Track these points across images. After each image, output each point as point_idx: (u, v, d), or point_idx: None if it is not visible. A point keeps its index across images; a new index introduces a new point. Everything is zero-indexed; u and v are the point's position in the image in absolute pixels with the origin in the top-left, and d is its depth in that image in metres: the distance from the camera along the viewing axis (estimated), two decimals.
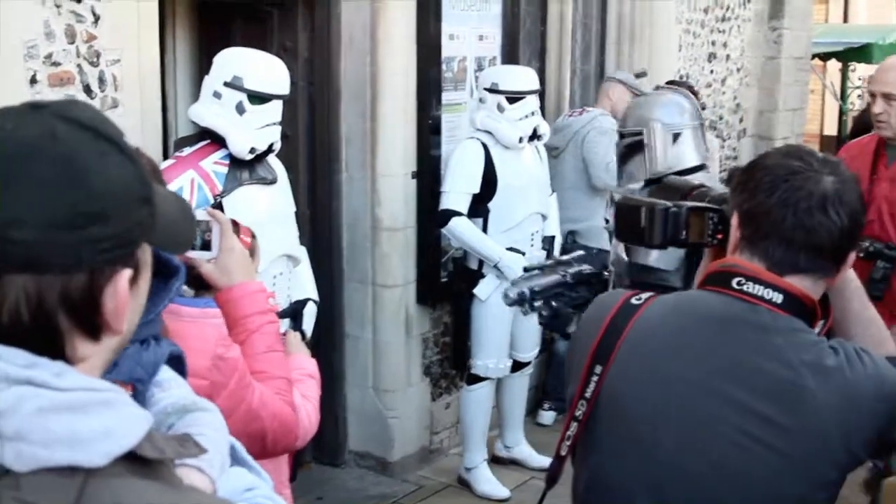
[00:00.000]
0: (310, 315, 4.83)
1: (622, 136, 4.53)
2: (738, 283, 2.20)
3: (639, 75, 5.31)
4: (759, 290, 2.18)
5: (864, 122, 8.64)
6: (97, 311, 1.27)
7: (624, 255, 3.90)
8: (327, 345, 6.13)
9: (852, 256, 2.25)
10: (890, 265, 4.41)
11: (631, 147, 4.42)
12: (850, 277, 2.39)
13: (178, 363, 1.80)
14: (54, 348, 1.24)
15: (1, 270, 1.20)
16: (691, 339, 2.26)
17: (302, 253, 4.93)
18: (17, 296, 1.21)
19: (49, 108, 1.28)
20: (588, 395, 2.32)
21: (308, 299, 4.85)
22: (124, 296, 1.28)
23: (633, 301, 2.34)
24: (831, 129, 15.41)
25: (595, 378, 2.30)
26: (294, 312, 4.72)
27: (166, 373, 1.75)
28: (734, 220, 2.27)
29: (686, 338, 2.26)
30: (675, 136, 4.36)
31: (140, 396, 1.62)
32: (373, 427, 6.34)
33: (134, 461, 1.24)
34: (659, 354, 2.28)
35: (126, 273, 1.29)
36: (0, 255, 1.19)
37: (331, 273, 6.11)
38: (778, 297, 2.17)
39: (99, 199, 1.24)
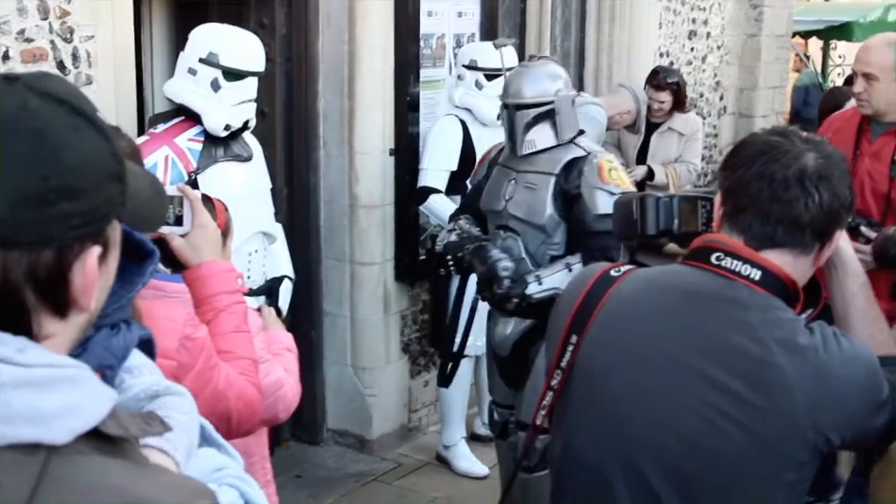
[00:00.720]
0: (285, 292, 4.82)
1: (528, 106, 4.62)
2: (717, 259, 2.21)
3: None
4: (737, 265, 2.19)
5: (835, 99, 8.69)
6: (65, 288, 1.25)
7: None
8: (305, 322, 6.11)
9: (837, 236, 2.25)
10: (869, 241, 4.42)
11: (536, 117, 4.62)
12: (856, 272, 2.40)
13: (147, 347, 1.78)
14: (20, 325, 1.22)
15: None
16: (666, 313, 2.26)
17: (277, 230, 4.92)
18: None
19: (22, 80, 1.25)
20: (563, 364, 2.34)
21: (283, 276, 4.85)
22: (93, 273, 1.27)
23: (612, 273, 2.36)
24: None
25: (571, 348, 2.32)
26: (269, 290, 4.72)
27: (137, 358, 1.73)
28: (717, 199, 2.29)
29: (661, 311, 2.27)
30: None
31: (109, 382, 1.60)
32: (351, 405, 6.33)
33: (98, 439, 1.22)
34: (634, 325, 2.29)
35: (95, 250, 1.27)
36: None
37: (308, 250, 6.09)
38: (756, 274, 2.18)
39: (70, 175, 1.22)
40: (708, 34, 9.53)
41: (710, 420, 2.15)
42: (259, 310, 3.01)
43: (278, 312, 4.62)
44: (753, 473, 2.15)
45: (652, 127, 7.27)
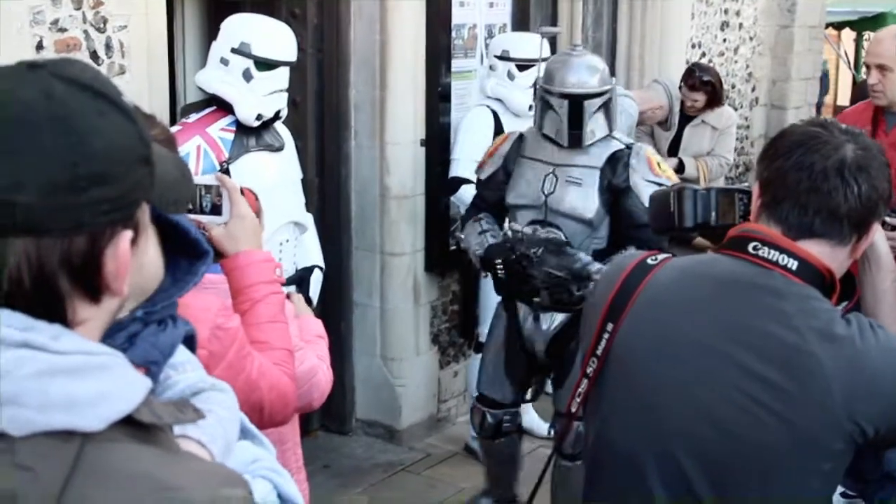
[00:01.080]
0: (315, 282, 4.84)
1: (594, 95, 4.67)
2: (754, 248, 2.21)
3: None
4: (774, 255, 2.19)
5: (864, 92, 8.66)
6: (98, 273, 1.25)
7: None
8: (335, 313, 6.13)
9: (875, 227, 2.25)
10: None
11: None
12: (889, 268, 2.40)
13: (190, 342, 1.79)
14: (55, 311, 1.23)
15: (1, 235, 1.19)
16: (703, 301, 2.27)
17: (308, 220, 4.93)
18: (19, 259, 1.20)
19: (46, 67, 1.25)
20: (599, 352, 2.35)
21: (314, 266, 4.87)
22: (125, 257, 1.27)
23: (649, 261, 2.37)
24: (844, 100, 15.32)
25: (606, 336, 2.34)
26: (300, 279, 4.73)
27: (182, 354, 1.74)
28: (755, 189, 2.29)
29: (698, 299, 2.28)
30: None
31: (154, 378, 1.61)
32: (380, 395, 6.35)
33: (132, 426, 1.23)
34: (670, 314, 2.29)
35: (127, 234, 1.28)
36: (1, 219, 1.18)
37: (339, 241, 6.10)
38: (793, 264, 2.18)
39: (99, 161, 1.22)
40: (740, 25, 9.48)
41: (744, 408, 2.15)
42: (288, 297, 3.01)
43: (308, 302, 4.65)
44: (787, 461, 2.15)
45: (685, 120, 7.24)
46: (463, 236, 4.91)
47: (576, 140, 4.64)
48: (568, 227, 4.65)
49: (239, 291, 2.47)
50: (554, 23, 7.45)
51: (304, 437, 5.85)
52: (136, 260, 1.31)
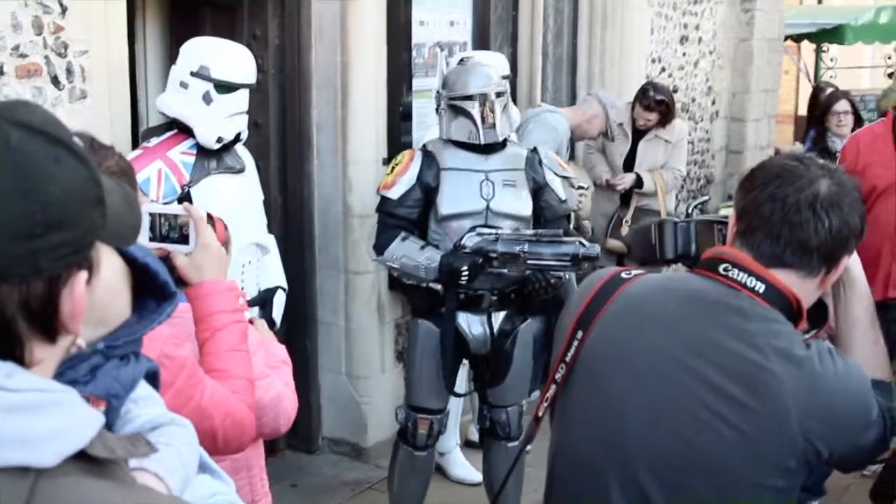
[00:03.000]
0: (279, 303, 4.85)
1: (501, 94, 5.02)
2: (725, 269, 2.28)
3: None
4: (742, 277, 2.25)
5: (822, 102, 8.81)
6: (55, 315, 1.27)
7: None
8: (300, 332, 6.14)
9: (844, 261, 2.30)
10: None
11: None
12: (862, 294, 2.45)
13: (153, 378, 1.81)
14: (11, 353, 1.25)
15: None
16: (671, 315, 2.32)
17: (270, 241, 4.95)
18: None
19: (0, 112, 1.27)
20: (568, 359, 2.40)
21: (277, 287, 4.87)
22: (81, 298, 1.29)
23: (623, 275, 2.43)
24: (805, 110, 15.46)
25: (576, 343, 2.39)
26: (263, 300, 4.74)
27: (143, 389, 1.75)
28: (732, 218, 2.36)
29: (666, 313, 2.33)
30: None
31: (114, 412, 1.63)
32: (347, 413, 6.36)
33: (85, 460, 1.25)
34: (637, 325, 2.35)
35: (82, 275, 1.30)
36: None
37: (303, 260, 6.11)
38: (760, 287, 2.24)
39: (56, 207, 1.24)
40: (700, 39, 9.57)
41: (704, 420, 2.20)
42: (251, 322, 3.03)
43: (272, 323, 4.67)
44: (742, 475, 2.19)
45: (638, 135, 7.33)
46: (393, 257, 4.91)
47: (491, 136, 4.90)
48: (507, 228, 4.86)
49: (201, 320, 2.49)
50: (514, 40, 7.52)
51: (271, 456, 5.88)
52: (89, 296, 1.33)
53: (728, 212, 2.69)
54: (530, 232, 4.80)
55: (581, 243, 4.71)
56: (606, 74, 8.32)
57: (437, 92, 5.17)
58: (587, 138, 7.07)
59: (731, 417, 2.17)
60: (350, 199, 6.08)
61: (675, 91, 9.19)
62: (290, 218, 6.07)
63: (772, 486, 2.21)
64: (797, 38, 13.53)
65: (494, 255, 4.71)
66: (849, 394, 2.22)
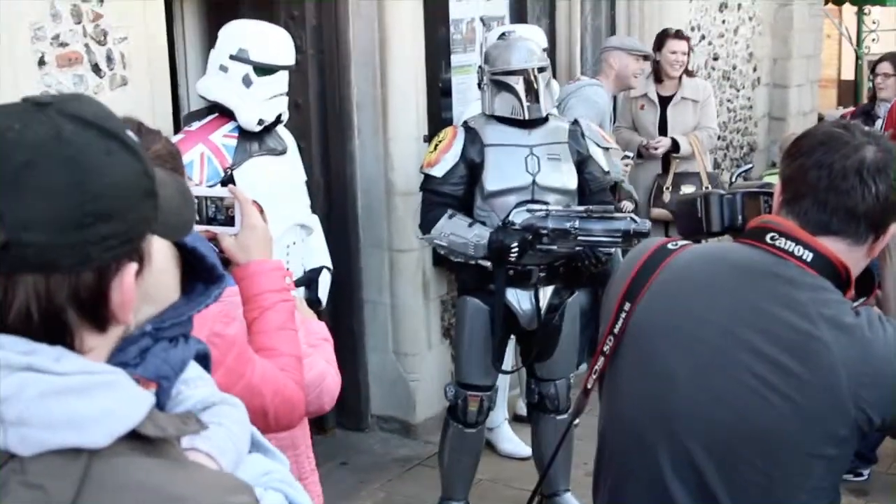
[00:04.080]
0: (324, 283, 4.87)
1: (544, 69, 5.03)
2: (772, 238, 2.26)
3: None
4: (790, 245, 2.24)
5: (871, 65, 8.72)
6: (104, 305, 1.30)
7: None
8: (346, 311, 6.18)
9: (892, 228, 2.28)
10: None
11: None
12: None
13: (204, 360, 1.83)
14: (62, 343, 1.27)
15: (12, 272, 1.23)
16: (718, 285, 2.32)
17: (314, 222, 4.97)
18: (28, 296, 1.24)
19: (53, 105, 1.29)
20: (616, 331, 2.41)
21: (322, 267, 4.89)
22: (130, 289, 1.31)
23: (669, 246, 2.43)
24: (849, 74, 15.31)
25: (623, 315, 2.39)
26: (309, 281, 4.76)
27: (193, 370, 1.77)
28: (778, 186, 2.35)
29: (713, 283, 2.33)
30: None
31: (165, 394, 1.65)
32: (395, 391, 6.39)
33: (137, 440, 1.27)
34: (685, 296, 2.35)
35: (132, 267, 1.32)
36: (12, 258, 1.22)
37: (347, 239, 6.14)
38: (808, 255, 2.23)
39: (106, 199, 1.26)
40: (739, 5, 9.49)
41: (754, 390, 2.19)
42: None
43: (318, 303, 4.69)
44: (792, 444, 2.19)
45: (664, 101, 7.30)
46: (440, 235, 4.92)
47: (535, 111, 4.92)
48: (553, 202, 4.87)
49: (249, 299, 2.52)
50: (552, 12, 7.48)
51: (321, 434, 5.93)
52: (141, 289, 1.35)
53: (772, 179, 2.67)
54: (581, 208, 4.80)
55: (633, 219, 4.71)
56: (646, 44, 8.25)
57: (480, 67, 5.17)
58: (632, 87, 7.06)
59: (781, 386, 2.17)
60: (392, 176, 6.09)
61: (717, 59, 9.14)
62: (333, 197, 6.09)
63: (823, 454, 2.20)
64: (838, 2, 13.39)
65: (545, 231, 4.72)
66: None
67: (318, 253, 4.94)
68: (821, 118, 10.23)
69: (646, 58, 6.97)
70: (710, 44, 9.02)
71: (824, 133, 2.28)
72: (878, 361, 2.17)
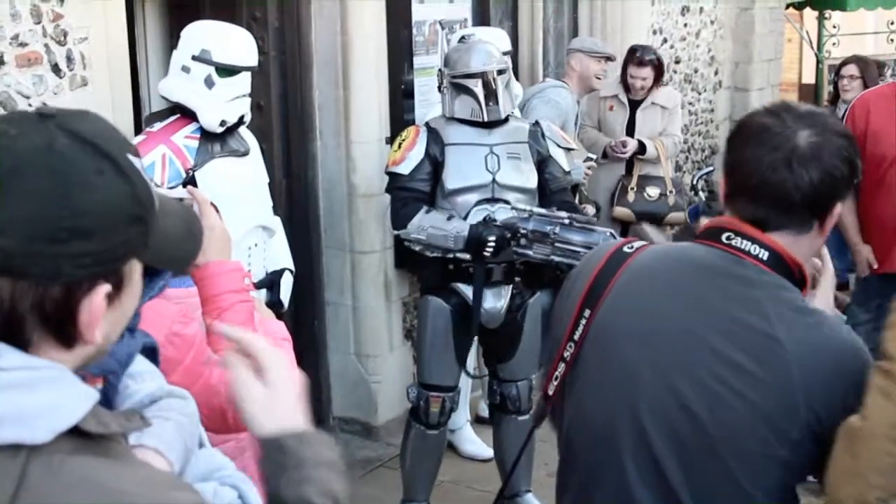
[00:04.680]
0: (286, 285, 4.86)
1: (503, 71, 5.08)
2: (727, 238, 2.27)
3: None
4: (745, 244, 2.24)
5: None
6: (71, 322, 1.30)
7: None
8: (308, 312, 6.17)
9: (837, 209, 2.26)
10: None
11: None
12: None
13: (152, 354, 1.83)
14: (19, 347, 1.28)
15: None
16: (678, 285, 2.32)
17: (276, 223, 4.96)
18: None
19: (56, 118, 1.30)
20: (576, 337, 2.40)
21: (284, 269, 4.88)
22: (98, 310, 1.31)
23: (625, 249, 2.42)
24: (810, 78, 15.38)
25: (584, 321, 2.38)
26: (271, 283, 4.75)
27: (141, 364, 1.77)
28: (721, 183, 2.34)
29: (673, 283, 2.33)
30: None
31: (112, 388, 1.65)
32: (356, 392, 6.39)
33: (79, 437, 1.27)
34: (646, 296, 2.35)
35: (104, 287, 1.32)
36: None
37: (309, 241, 6.13)
38: (764, 254, 2.23)
39: (84, 216, 1.26)
40: (701, 9, 9.52)
41: (715, 391, 2.19)
42: None
43: (280, 305, 4.69)
44: (749, 445, 2.19)
45: (634, 104, 7.33)
46: (418, 229, 4.91)
47: (494, 113, 4.97)
48: (514, 201, 4.92)
49: (208, 300, 2.51)
50: (514, 14, 7.50)
51: None
52: (116, 311, 1.36)
53: None
54: (564, 214, 4.78)
55: (612, 234, 4.74)
56: (608, 45, 8.29)
57: (440, 70, 5.19)
58: (596, 88, 7.09)
59: (738, 386, 2.17)
60: (354, 178, 6.09)
61: (678, 62, 9.17)
62: (295, 199, 6.08)
63: (778, 456, 2.19)
64: (799, 6, 13.44)
65: (524, 231, 4.74)
66: (851, 363, 2.19)
67: (280, 255, 4.93)
68: None
69: (608, 59, 6.99)
70: (671, 47, 9.06)
71: (755, 125, 2.25)
72: (830, 363, 2.17)
